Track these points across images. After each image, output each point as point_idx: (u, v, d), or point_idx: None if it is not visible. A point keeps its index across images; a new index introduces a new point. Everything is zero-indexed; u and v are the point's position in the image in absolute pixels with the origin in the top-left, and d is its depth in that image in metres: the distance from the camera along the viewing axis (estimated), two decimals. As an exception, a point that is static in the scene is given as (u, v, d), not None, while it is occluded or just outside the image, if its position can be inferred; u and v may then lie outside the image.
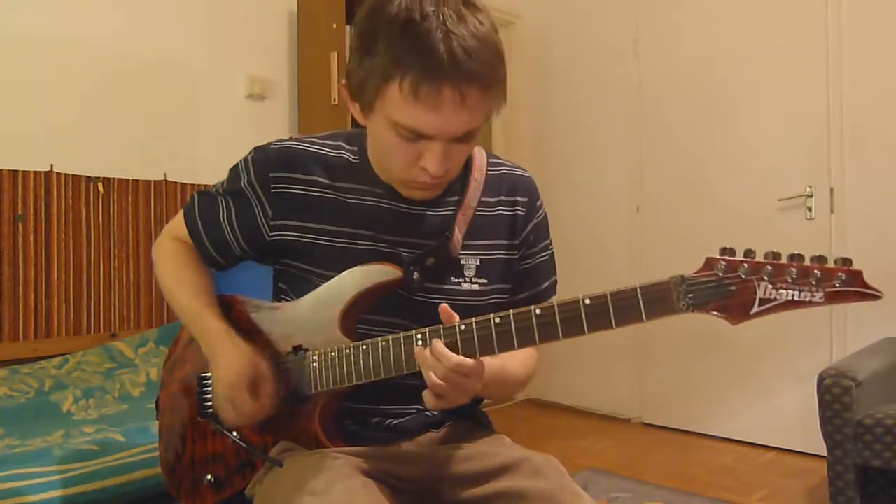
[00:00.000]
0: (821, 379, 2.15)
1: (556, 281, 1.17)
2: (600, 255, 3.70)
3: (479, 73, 0.87)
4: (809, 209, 2.99)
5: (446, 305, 0.91)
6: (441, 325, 0.91)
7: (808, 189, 2.99)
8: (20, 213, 2.37)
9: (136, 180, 2.66)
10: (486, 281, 1.06)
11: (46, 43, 2.46)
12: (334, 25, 2.92)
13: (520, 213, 1.10)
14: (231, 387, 0.99)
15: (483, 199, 1.07)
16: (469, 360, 0.88)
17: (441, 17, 0.86)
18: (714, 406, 3.30)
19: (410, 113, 0.89)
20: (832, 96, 2.93)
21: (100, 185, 2.56)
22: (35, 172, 2.41)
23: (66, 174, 2.48)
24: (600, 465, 2.91)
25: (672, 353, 3.44)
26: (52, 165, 2.45)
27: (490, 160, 1.12)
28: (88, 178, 2.54)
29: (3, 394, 2.06)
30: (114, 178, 2.60)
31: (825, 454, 2.16)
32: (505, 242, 1.09)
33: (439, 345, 0.88)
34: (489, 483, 0.97)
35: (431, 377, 0.88)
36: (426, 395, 0.91)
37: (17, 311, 2.36)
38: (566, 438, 3.35)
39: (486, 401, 1.20)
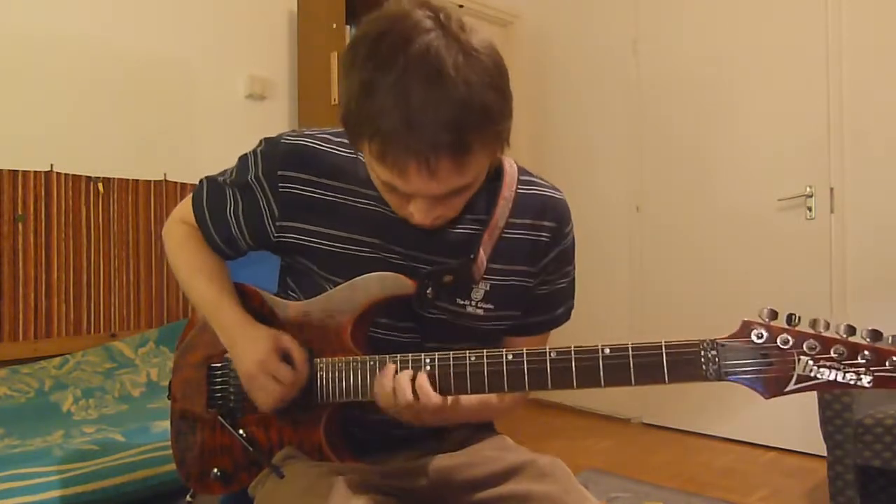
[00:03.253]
0: (821, 379, 2.15)
1: (572, 306, 1.12)
2: (600, 255, 3.69)
3: (448, 143, 0.78)
4: (809, 209, 2.99)
5: None
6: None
7: (808, 189, 2.99)
8: (20, 213, 2.37)
9: (136, 180, 2.66)
10: (492, 307, 1.00)
11: (46, 42, 2.46)
12: (334, 25, 2.92)
13: (543, 239, 1.02)
14: (262, 363, 0.96)
15: (510, 219, 1.00)
16: (439, 400, 0.88)
17: (415, 73, 0.77)
18: (714, 406, 3.30)
19: (383, 173, 0.84)
20: (832, 96, 2.93)
21: (100, 185, 2.56)
22: (35, 172, 2.41)
23: (66, 174, 2.48)
24: (600, 465, 2.91)
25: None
26: (52, 165, 2.45)
27: (521, 177, 1.04)
28: (88, 178, 2.54)
29: (3, 394, 2.06)
30: (114, 178, 2.60)
31: (825, 454, 2.16)
32: (523, 269, 1.02)
33: (422, 378, 0.88)
34: (495, 487, 0.96)
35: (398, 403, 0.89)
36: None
37: (17, 311, 2.36)
38: (566, 438, 3.35)
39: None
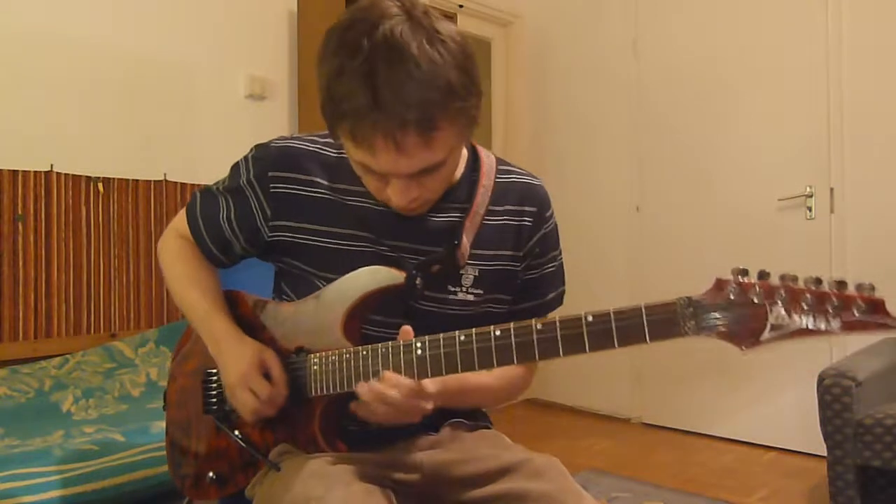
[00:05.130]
0: (821, 379, 2.15)
1: (563, 291, 1.15)
2: (600, 255, 3.70)
3: (414, 119, 0.81)
4: (809, 209, 2.99)
5: (407, 327, 0.92)
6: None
7: (808, 189, 2.99)
8: (20, 213, 2.37)
9: (136, 180, 2.66)
10: (481, 292, 1.04)
11: (47, 42, 2.46)
12: (334, 25, 2.92)
13: (526, 223, 1.07)
14: (244, 376, 0.99)
15: (490, 207, 1.05)
16: (414, 383, 0.89)
17: (379, 55, 0.81)
18: (714, 406, 3.30)
19: (356, 153, 0.88)
20: (832, 96, 2.93)
21: (100, 185, 2.56)
22: (35, 172, 2.41)
23: (66, 174, 2.48)
24: (600, 465, 2.91)
25: (672, 352, 3.44)
26: (52, 165, 2.45)
27: (500, 167, 1.09)
28: (88, 178, 2.54)
29: (3, 394, 2.06)
30: (114, 178, 2.60)
31: (825, 454, 2.16)
32: (508, 253, 1.06)
33: (390, 373, 0.90)
34: (490, 485, 0.97)
35: (383, 406, 0.90)
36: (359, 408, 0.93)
37: (17, 311, 2.36)
38: (566, 438, 3.35)
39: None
